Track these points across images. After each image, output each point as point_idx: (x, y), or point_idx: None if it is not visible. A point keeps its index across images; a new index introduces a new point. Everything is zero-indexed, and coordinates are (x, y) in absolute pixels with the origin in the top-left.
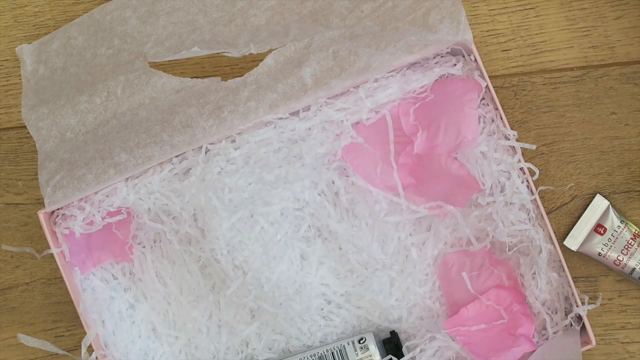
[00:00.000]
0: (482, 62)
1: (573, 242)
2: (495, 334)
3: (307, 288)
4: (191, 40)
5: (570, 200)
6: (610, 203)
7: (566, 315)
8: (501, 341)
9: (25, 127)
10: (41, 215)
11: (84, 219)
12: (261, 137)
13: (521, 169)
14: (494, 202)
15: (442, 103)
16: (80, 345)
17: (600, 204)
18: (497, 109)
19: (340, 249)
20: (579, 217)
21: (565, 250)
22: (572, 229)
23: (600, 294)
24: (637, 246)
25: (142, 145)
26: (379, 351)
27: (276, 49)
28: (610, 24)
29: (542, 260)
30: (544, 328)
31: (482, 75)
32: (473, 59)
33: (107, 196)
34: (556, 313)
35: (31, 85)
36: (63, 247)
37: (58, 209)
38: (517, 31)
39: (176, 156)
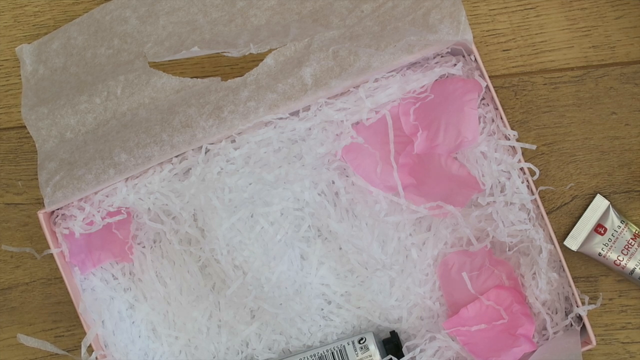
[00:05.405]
0: (482, 62)
1: (573, 242)
2: (495, 334)
3: (307, 288)
4: (191, 40)
5: (571, 200)
6: (611, 203)
7: (566, 315)
8: (501, 341)
9: (25, 127)
10: (41, 215)
11: (83, 219)
12: (261, 137)
13: (521, 169)
14: (494, 202)
15: (442, 103)
16: (80, 345)
17: (600, 204)
18: (497, 109)
19: (340, 249)
20: (579, 217)
21: (566, 250)
22: (572, 229)
23: (601, 294)
24: (638, 246)
25: (142, 145)
26: (379, 351)
27: (276, 49)
28: (611, 23)
29: (542, 260)
30: (544, 328)
31: (482, 75)
32: (473, 59)
33: (107, 196)
34: (556, 313)
35: (31, 85)
36: (63, 247)
37: (58, 209)
38: (517, 31)
39: (176, 156)
